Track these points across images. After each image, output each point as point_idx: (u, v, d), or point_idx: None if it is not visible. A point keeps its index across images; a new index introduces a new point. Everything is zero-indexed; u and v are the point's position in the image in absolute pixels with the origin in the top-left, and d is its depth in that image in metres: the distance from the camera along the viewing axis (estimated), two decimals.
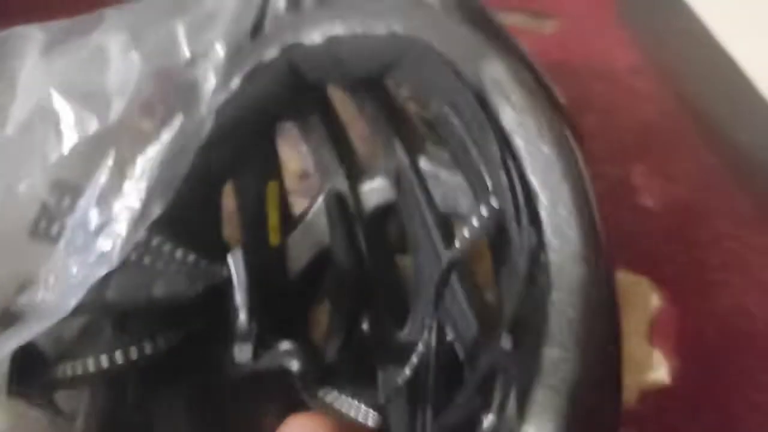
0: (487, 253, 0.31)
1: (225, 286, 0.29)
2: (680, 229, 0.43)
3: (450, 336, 0.30)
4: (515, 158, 0.23)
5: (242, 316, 0.29)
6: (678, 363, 0.37)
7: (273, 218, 0.37)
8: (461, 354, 0.30)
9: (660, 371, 0.35)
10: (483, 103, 0.24)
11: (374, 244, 0.36)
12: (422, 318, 0.33)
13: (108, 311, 0.29)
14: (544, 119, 0.22)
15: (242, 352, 0.28)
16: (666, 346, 0.37)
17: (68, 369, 0.29)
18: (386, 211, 0.36)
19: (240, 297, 0.29)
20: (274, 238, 0.37)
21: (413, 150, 0.34)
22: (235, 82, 0.35)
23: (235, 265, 0.29)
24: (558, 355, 0.19)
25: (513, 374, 0.21)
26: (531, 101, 0.23)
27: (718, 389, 0.37)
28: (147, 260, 0.29)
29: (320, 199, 0.37)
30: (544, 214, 0.21)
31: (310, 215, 0.38)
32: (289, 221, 0.38)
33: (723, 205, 0.44)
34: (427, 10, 0.29)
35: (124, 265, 0.28)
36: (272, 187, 0.37)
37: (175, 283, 0.29)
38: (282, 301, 0.35)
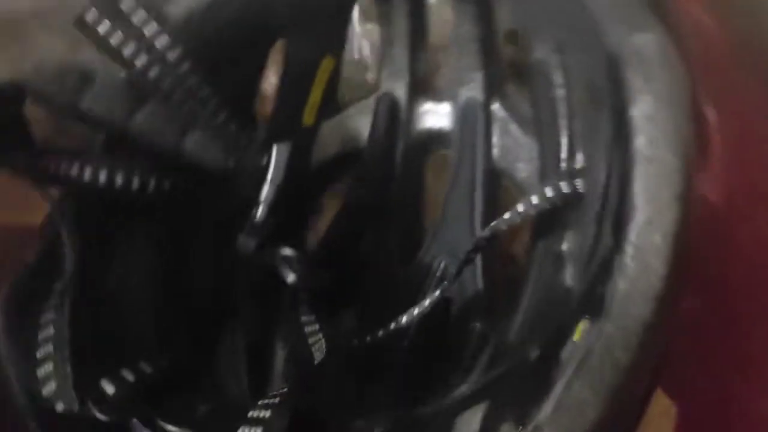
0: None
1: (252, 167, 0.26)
2: None
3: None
4: (626, 150, 0.19)
5: (262, 210, 0.26)
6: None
7: (315, 95, 0.33)
8: (457, 320, 0.28)
9: None
10: (613, 76, 0.20)
11: (410, 164, 0.32)
12: (430, 263, 0.30)
13: (126, 131, 0.26)
14: (681, 121, 0.18)
15: (246, 244, 0.26)
16: None
17: (51, 165, 0.26)
18: (434, 138, 0.33)
19: (268, 191, 0.26)
20: (308, 117, 0.33)
21: (493, 89, 0.30)
22: None
23: (277, 158, 0.26)
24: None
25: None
26: (674, 94, 0.19)
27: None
28: (186, 106, 0.25)
29: (372, 98, 0.33)
30: (633, 229, 0.18)
31: (354, 108, 0.34)
32: (330, 106, 0.34)
33: None
34: None
35: (163, 97, 0.24)
36: (327, 63, 0.33)
37: (208, 147, 0.26)
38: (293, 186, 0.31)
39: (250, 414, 0.18)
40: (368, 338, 0.28)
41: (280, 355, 0.29)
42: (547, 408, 0.18)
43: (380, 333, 0.28)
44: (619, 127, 0.19)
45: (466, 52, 0.30)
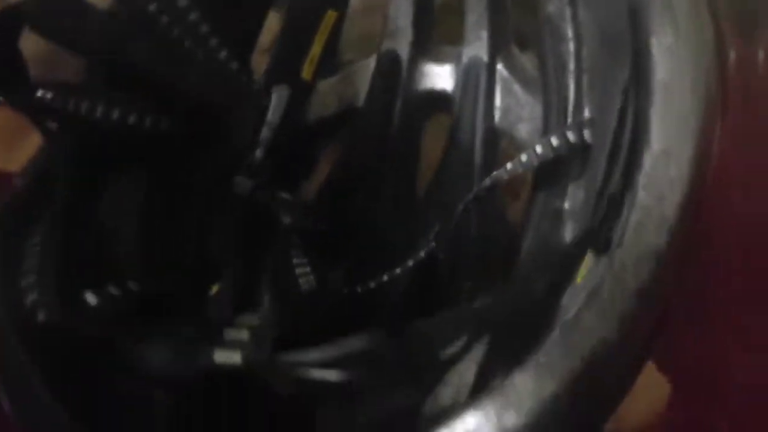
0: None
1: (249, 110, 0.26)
2: None
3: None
4: (645, 84, 0.19)
5: (258, 153, 0.25)
6: None
7: (316, 49, 0.32)
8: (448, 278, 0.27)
9: None
10: (634, 19, 0.20)
11: (409, 124, 0.32)
12: (424, 220, 0.30)
13: (126, 66, 0.25)
14: (703, 68, 0.18)
15: (241, 185, 0.25)
16: None
17: (47, 98, 0.25)
18: (434, 100, 0.32)
19: (265, 133, 0.25)
20: (307, 72, 0.33)
21: (498, 49, 0.30)
22: None
23: (277, 100, 0.25)
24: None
25: None
26: (698, 36, 0.18)
27: None
28: (186, 42, 0.25)
29: (373, 57, 0.33)
30: (648, 159, 0.18)
31: (354, 67, 0.33)
32: (331, 62, 0.33)
33: None
34: None
35: (162, 32, 0.24)
36: (329, 17, 0.33)
37: (205, 81, 0.25)
38: (286, 141, 0.31)
39: (231, 331, 0.18)
40: (358, 289, 0.27)
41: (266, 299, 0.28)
42: (553, 337, 0.17)
43: (371, 284, 0.27)
44: (638, 64, 0.19)
45: (473, 10, 0.30)
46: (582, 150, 0.23)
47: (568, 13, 0.25)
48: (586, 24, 0.24)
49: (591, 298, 0.17)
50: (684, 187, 0.18)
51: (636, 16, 0.20)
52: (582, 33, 0.25)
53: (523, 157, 0.24)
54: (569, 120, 0.26)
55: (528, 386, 0.16)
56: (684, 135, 0.18)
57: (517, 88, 0.29)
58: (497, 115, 0.30)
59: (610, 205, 0.19)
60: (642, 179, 0.18)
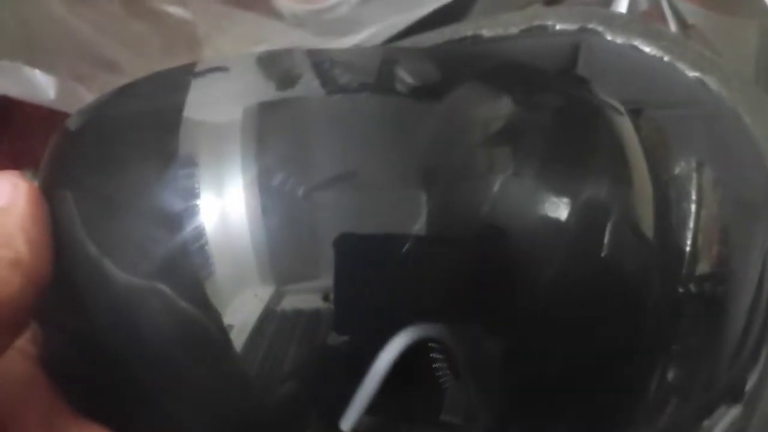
0: None
1: None
2: None
3: None
4: None
5: None
6: None
7: None
8: None
9: None
10: None
11: None
12: None
13: None
14: None
15: None
16: None
17: None
18: None
19: None
20: None
21: None
22: None
23: None
24: None
25: None
26: None
27: None
28: None
29: None
30: None
31: None
32: None
33: None
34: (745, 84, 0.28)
35: None
36: None
37: None
38: None
39: None
40: None
41: None
42: None
43: None
44: None
45: None
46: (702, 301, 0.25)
47: (694, 177, 0.28)
48: (709, 189, 0.27)
49: None
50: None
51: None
52: (704, 197, 0.28)
53: None
54: (683, 270, 0.28)
55: None
56: None
57: None
58: None
59: (749, 357, 0.21)
60: None
